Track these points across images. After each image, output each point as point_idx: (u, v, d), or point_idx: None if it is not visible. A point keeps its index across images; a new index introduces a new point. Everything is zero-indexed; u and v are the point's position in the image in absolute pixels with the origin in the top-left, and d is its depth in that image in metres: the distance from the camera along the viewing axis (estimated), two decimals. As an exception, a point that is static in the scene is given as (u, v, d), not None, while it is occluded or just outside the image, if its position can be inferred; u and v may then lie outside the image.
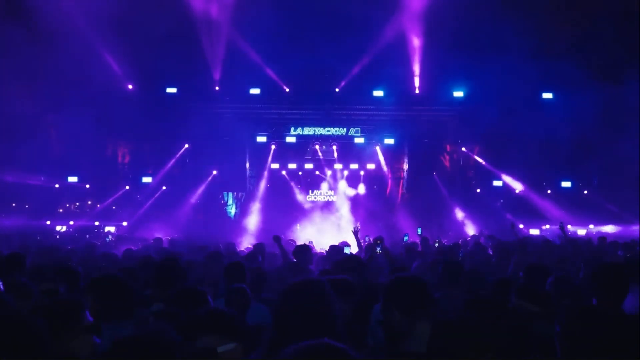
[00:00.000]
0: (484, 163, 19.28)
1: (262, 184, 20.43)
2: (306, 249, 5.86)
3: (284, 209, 19.15)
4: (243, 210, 20.66)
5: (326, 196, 20.95)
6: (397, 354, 2.49)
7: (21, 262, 4.83)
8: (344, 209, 20.26)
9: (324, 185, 20.92)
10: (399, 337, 2.52)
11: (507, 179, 18.69)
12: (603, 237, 9.97)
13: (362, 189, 20.36)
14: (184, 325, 2.08)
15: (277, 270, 5.62)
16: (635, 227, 14.06)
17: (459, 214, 17.79)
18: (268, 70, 15.83)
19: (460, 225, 17.57)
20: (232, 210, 21.34)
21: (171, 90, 16.21)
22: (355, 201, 20.39)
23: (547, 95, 15.99)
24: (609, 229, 16.33)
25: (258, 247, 7.19)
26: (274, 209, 18.90)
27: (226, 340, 1.95)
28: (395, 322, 2.51)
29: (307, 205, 20.49)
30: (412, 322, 2.48)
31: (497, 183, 18.90)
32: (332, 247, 7.41)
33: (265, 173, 20.12)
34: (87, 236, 13.48)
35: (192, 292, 3.11)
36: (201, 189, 19.40)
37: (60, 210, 19.42)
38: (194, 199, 19.41)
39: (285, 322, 2.13)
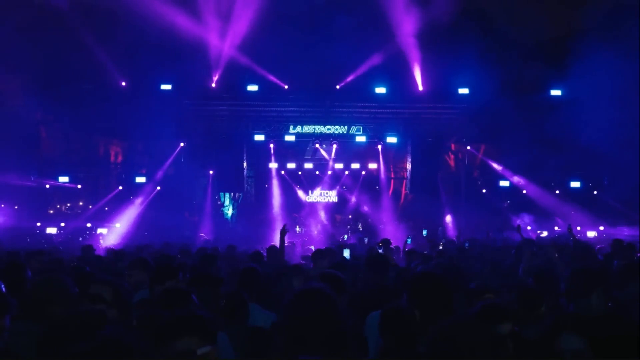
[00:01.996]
0: (489, 162, 19.29)
1: (261, 184, 20.45)
2: (330, 252, 5.80)
3: (282, 210, 19.17)
4: (240, 212, 20.68)
5: (326, 197, 20.97)
6: (409, 355, 2.55)
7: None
8: (344, 210, 20.32)
9: (324, 186, 20.94)
10: (415, 338, 2.62)
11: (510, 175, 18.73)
12: (619, 239, 9.96)
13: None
14: (162, 326, 2.11)
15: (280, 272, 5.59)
16: None
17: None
18: (266, 66, 15.84)
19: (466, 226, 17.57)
20: (228, 211, 21.35)
21: (166, 87, 16.19)
22: (355, 203, 20.42)
23: (556, 92, 15.98)
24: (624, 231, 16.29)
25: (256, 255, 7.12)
26: (272, 210, 18.92)
27: (204, 343, 2.01)
28: (414, 321, 2.63)
29: (306, 206, 20.52)
30: (430, 323, 2.55)
31: (503, 183, 18.90)
32: (319, 251, 7.34)
33: (265, 173, 20.13)
34: (80, 239, 13.47)
35: (176, 292, 3.19)
36: (197, 190, 19.40)
37: (51, 212, 19.41)
38: (189, 199, 19.42)
39: (293, 332, 2.15)
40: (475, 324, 2.12)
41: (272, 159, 19.79)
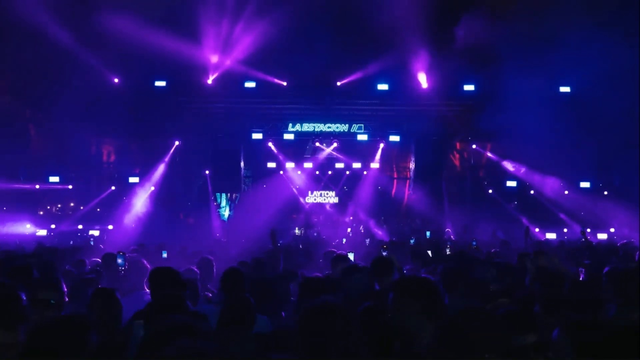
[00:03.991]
0: (495, 159, 19.27)
1: (259, 184, 20.43)
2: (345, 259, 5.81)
3: (281, 210, 19.15)
4: (237, 213, 20.65)
5: (326, 197, 20.95)
6: (401, 354, 2.65)
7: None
8: (344, 211, 20.29)
9: (324, 186, 20.93)
10: (405, 338, 2.71)
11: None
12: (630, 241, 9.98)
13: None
14: (153, 333, 2.22)
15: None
16: None
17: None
18: (265, 63, 15.79)
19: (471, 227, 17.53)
20: (225, 212, 21.34)
21: (160, 83, 16.15)
22: (356, 203, 20.40)
23: (565, 89, 15.98)
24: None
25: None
26: (270, 210, 18.88)
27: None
28: (403, 323, 2.70)
29: (306, 207, 20.51)
30: (419, 324, 2.64)
31: (510, 183, 18.89)
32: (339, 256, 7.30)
33: (263, 172, 20.11)
34: (71, 242, 13.44)
35: (167, 297, 3.31)
36: (193, 190, 19.40)
37: (41, 213, 19.38)
38: (184, 200, 19.41)
39: (307, 345, 2.28)
40: (483, 311, 2.22)
41: (270, 158, 19.77)
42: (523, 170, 18.59)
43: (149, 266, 5.17)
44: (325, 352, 2.21)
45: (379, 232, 16.69)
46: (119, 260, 5.42)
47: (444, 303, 2.87)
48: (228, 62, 16.01)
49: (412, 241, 11.71)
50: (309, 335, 2.26)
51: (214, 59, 15.99)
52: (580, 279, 5.53)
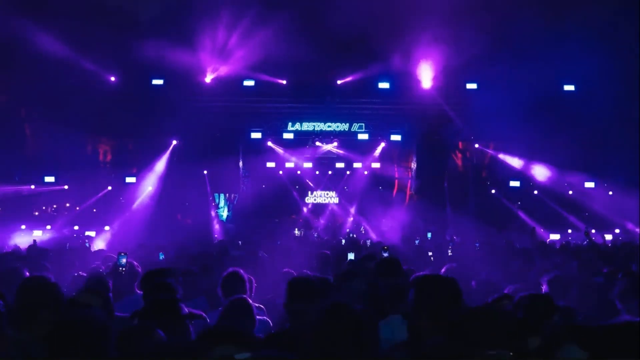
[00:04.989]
0: (499, 158, 19.25)
1: (258, 185, 20.41)
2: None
3: (280, 211, 19.15)
4: (236, 213, 20.64)
5: (327, 198, 20.94)
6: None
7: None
8: (345, 211, 20.28)
9: (325, 186, 20.92)
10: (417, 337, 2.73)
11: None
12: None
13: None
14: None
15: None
16: None
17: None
18: (264, 60, 15.78)
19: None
20: (224, 213, 21.33)
21: (157, 82, 16.15)
22: (357, 204, 20.40)
23: (569, 87, 15.96)
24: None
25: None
26: (269, 211, 18.89)
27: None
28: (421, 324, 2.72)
29: (306, 208, 20.49)
30: (437, 325, 2.64)
31: (514, 183, 18.86)
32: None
33: (262, 172, 20.09)
34: (67, 245, 13.41)
35: (161, 301, 3.32)
36: (190, 190, 19.38)
37: (36, 214, 19.37)
38: (182, 200, 19.39)
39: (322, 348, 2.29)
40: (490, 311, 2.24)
41: (270, 157, 19.74)
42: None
43: (139, 270, 5.22)
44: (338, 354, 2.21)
45: (379, 233, 16.69)
46: (123, 260, 5.42)
47: (459, 305, 2.87)
48: (227, 61, 16.00)
49: (417, 242, 11.73)
50: (322, 336, 2.27)
51: (213, 57, 15.98)
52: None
